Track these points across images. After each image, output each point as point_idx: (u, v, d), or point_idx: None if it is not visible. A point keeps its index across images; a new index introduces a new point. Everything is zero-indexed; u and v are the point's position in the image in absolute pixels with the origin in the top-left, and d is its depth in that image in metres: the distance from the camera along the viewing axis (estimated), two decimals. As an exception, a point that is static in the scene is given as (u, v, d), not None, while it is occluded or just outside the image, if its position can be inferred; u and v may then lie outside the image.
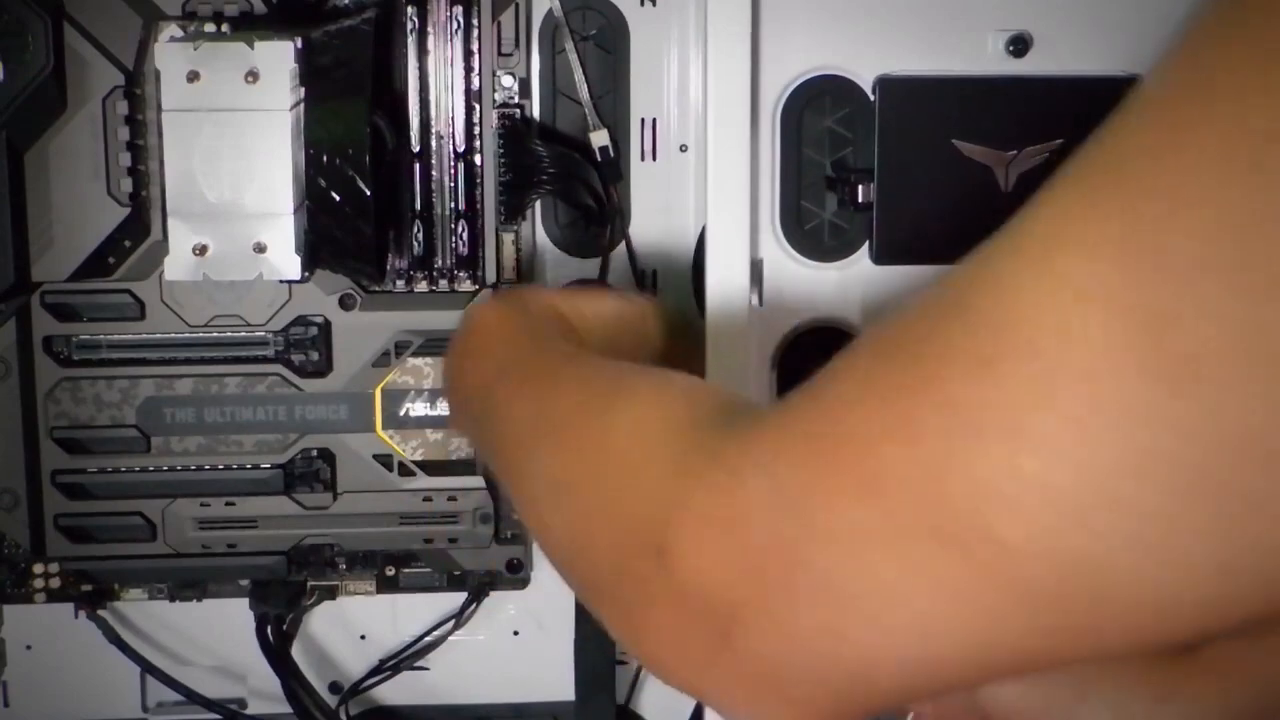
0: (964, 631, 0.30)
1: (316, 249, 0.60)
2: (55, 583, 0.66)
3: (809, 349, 0.64)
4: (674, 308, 0.63)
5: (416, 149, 0.64)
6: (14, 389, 0.63)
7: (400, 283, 0.65)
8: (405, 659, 0.69)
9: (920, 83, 0.63)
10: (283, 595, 0.67)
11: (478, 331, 0.53)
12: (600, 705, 0.66)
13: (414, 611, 0.70)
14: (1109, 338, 0.27)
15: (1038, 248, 0.29)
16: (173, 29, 0.60)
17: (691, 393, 0.40)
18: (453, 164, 0.64)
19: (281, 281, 0.63)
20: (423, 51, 0.63)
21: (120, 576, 0.66)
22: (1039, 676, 0.38)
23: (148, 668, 0.67)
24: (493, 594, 0.69)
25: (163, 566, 0.66)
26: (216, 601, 0.68)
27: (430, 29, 0.63)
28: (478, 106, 0.64)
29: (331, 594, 0.68)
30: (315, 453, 0.65)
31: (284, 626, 0.67)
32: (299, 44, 0.59)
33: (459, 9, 0.63)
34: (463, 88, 0.64)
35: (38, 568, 0.66)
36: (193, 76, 0.58)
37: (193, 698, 0.67)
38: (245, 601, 0.67)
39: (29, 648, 0.69)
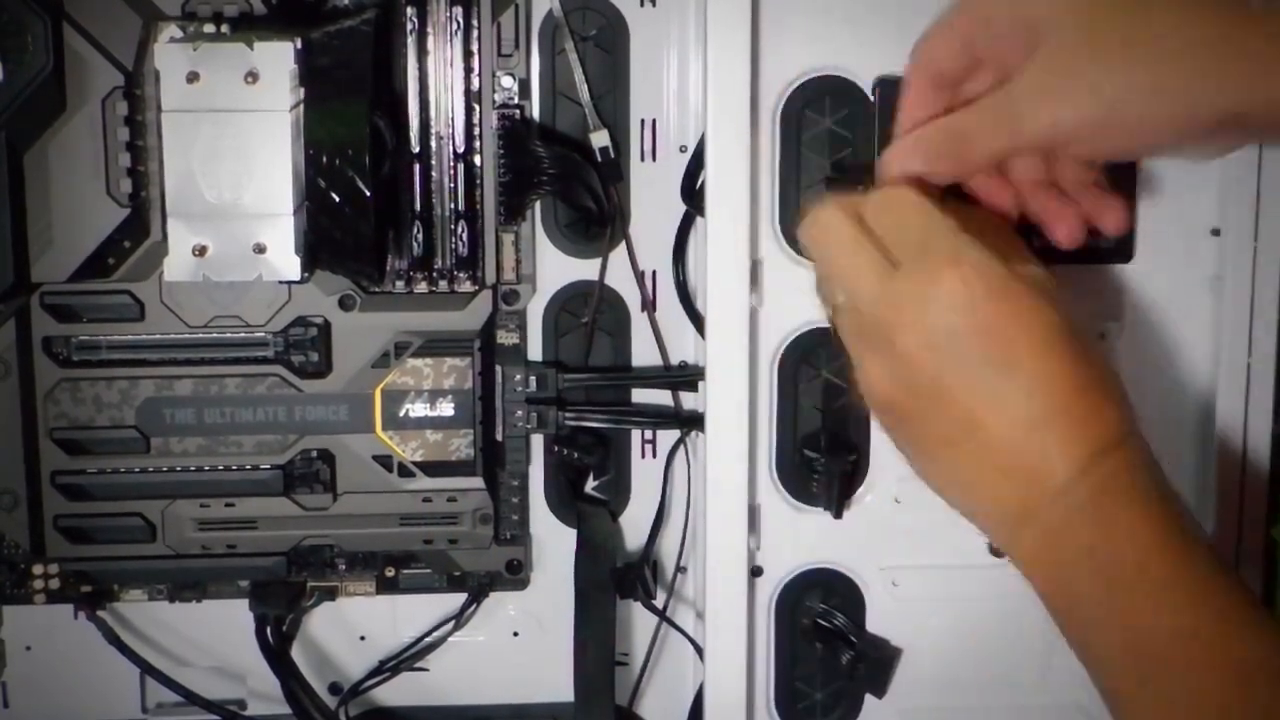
0: None
1: (316, 249, 0.60)
2: (55, 583, 0.66)
3: (809, 349, 0.64)
4: None
5: (416, 149, 0.63)
6: (14, 390, 0.63)
7: (400, 283, 0.65)
8: (405, 660, 0.69)
9: (920, 83, 0.63)
10: (282, 596, 0.67)
11: None
12: (600, 706, 0.66)
13: (414, 612, 0.70)
14: None
15: None
16: (172, 29, 0.60)
17: None
18: (452, 164, 0.64)
19: (281, 282, 0.63)
20: (422, 52, 0.63)
21: (120, 577, 0.66)
22: None
23: (147, 669, 0.67)
24: (492, 595, 0.69)
25: (162, 567, 0.66)
26: (216, 602, 0.68)
27: (430, 29, 0.63)
28: (477, 107, 0.64)
29: (331, 595, 0.68)
30: (315, 454, 0.65)
31: (284, 627, 0.67)
32: (299, 45, 0.59)
33: (459, 9, 0.63)
34: (462, 88, 0.63)
35: (37, 568, 0.66)
36: (192, 77, 0.58)
37: (192, 699, 0.67)
38: (245, 602, 0.67)
39: (29, 648, 0.69)
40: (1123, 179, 0.64)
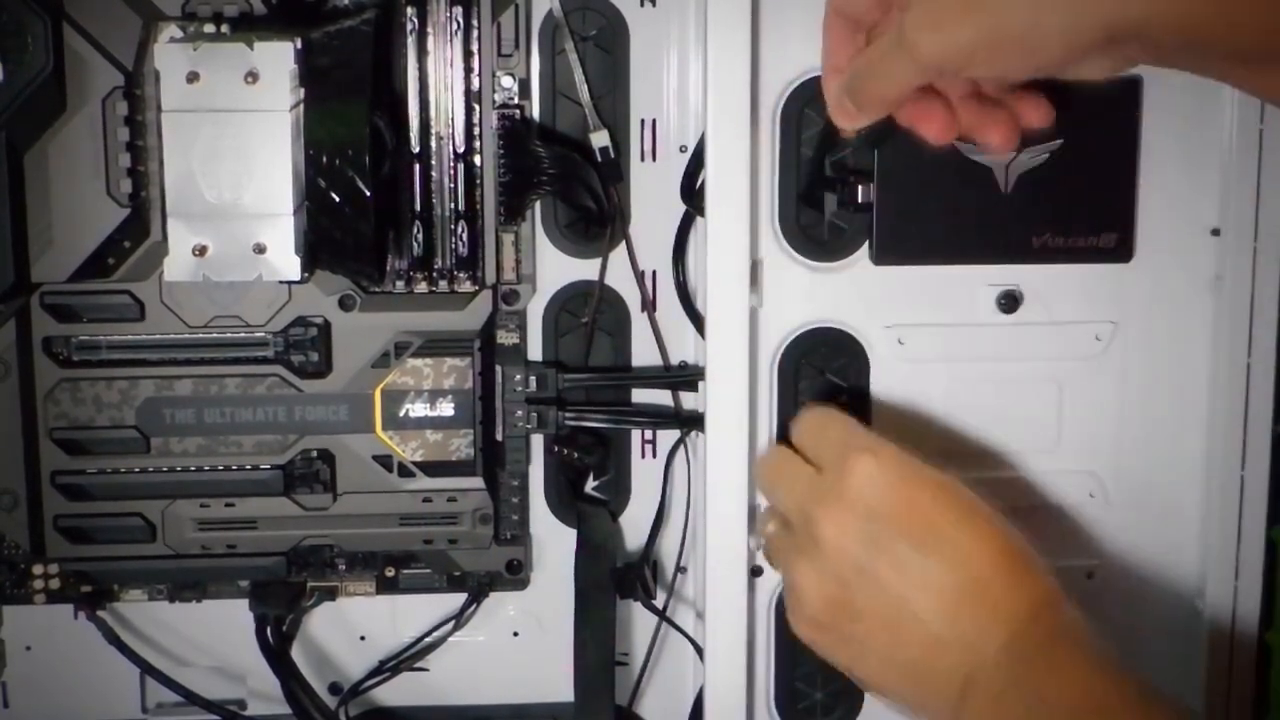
0: None
1: (316, 249, 0.60)
2: (55, 583, 0.66)
3: (809, 349, 0.64)
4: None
5: (416, 150, 0.64)
6: (14, 390, 0.63)
7: (400, 283, 0.65)
8: (405, 660, 0.69)
9: (920, 83, 0.63)
10: (282, 596, 0.67)
11: None
12: (600, 706, 0.66)
13: (413, 612, 0.70)
14: None
15: None
16: (172, 29, 0.60)
17: None
18: (452, 165, 0.64)
19: (281, 282, 0.63)
20: (422, 52, 0.63)
21: (120, 577, 0.66)
22: None
23: (147, 669, 0.67)
24: (492, 595, 0.69)
25: (162, 567, 0.66)
26: (216, 602, 0.68)
27: (430, 29, 0.63)
28: (477, 107, 0.64)
29: (331, 595, 0.68)
30: (315, 454, 0.65)
31: (284, 627, 0.67)
32: (299, 45, 0.59)
33: (459, 9, 0.63)
34: (462, 88, 0.63)
35: (37, 568, 0.66)
36: (192, 77, 0.58)
37: (192, 699, 0.67)
38: (245, 602, 0.67)
39: (29, 648, 0.69)
40: (1123, 178, 0.64)
